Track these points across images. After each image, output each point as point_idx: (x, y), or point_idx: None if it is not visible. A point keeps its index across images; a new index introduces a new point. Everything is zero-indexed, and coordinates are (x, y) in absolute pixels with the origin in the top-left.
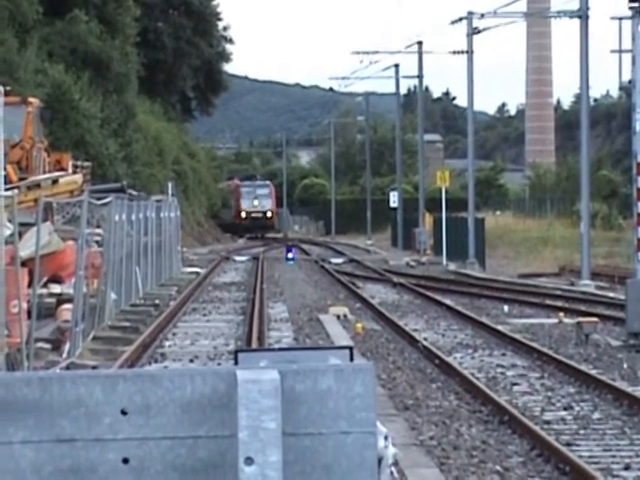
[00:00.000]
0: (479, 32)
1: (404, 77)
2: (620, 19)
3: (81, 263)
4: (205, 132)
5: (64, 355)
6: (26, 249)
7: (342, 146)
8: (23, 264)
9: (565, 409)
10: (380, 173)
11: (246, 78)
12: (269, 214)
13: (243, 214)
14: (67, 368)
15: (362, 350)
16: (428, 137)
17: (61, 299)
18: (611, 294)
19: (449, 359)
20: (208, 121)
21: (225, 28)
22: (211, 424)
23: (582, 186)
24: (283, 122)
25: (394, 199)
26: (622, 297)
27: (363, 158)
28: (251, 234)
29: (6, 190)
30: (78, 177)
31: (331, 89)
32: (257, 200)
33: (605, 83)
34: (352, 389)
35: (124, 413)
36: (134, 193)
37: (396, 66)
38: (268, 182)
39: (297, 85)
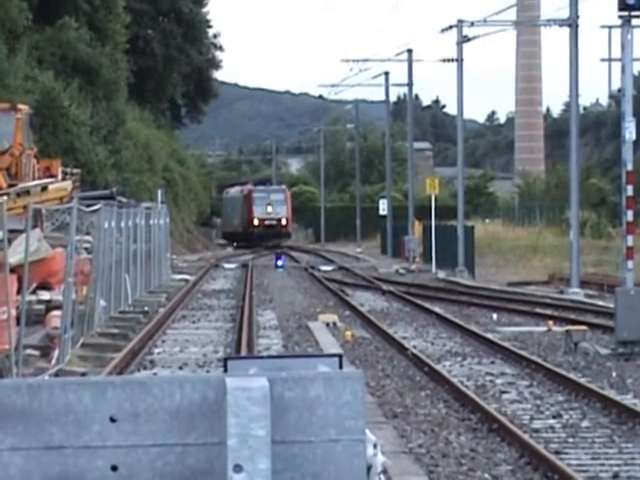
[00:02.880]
0: (469, 40)
1: (394, 85)
2: (610, 28)
3: (70, 270)
4: (195, 139)
5: (53, 362)
6: (15, 256)
7: (332, 154)
8: (12, 271)
9: (554, 417)
10: (370, 181)
11: (236, 85)
12: (284, 221)
13: (256, 221)
14: (56, 375)
15: (351, 358)
16: (418, 145)
17: (50, 306)
18: (600, 302)
19: (438, 367)
20: (198, 128)
21: (215, 35)
22: (200, 431)
23: (571, 194)
24: (273, 129)
25: (384, 207)
26: (611, 305)
27: (353, 166)
28: (265, 243)
29: None
30: (67, 184)
31: (321, 97)
32: (271, 206)
33: (594, 91)
34: (341, 397)
35: (113, 420)
36: (123, 200)
37: (386, 74)
38: (284, 187)
39: (287, 92)
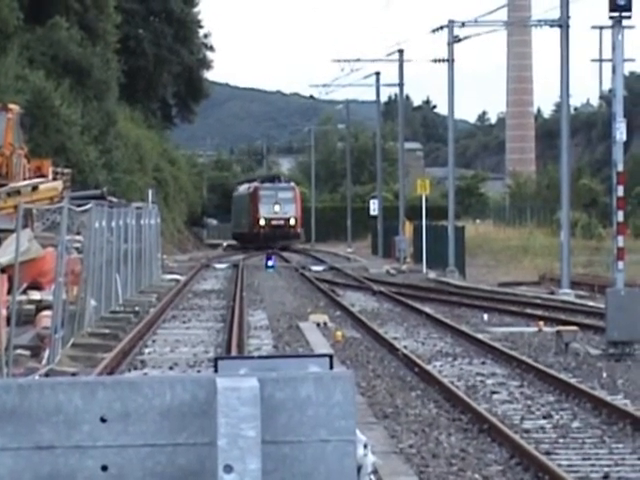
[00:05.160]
0: (460, 41)
1: (385, 85)
2: (601, 28)
3: (61, 270)
4: (186, 139)
5: (43, 362)
6: (6, 256)
7: (323, 154)
8: (2, 271)
9: (544, 418)
10: (360, 181)
11: (227, 85)
12: (292, 221)
13: (262, 221)
14: (46, 375)
15: (342, 358)
16: (408, 145)
17: (40, 306)
18: (591, 303)
19: (429, 367)
20: (189, 128)
21: (206, 35)
22: (190, 431)
23: (562, 195)
24: (264, 129)
25: (374, 207)
26: (602, 306)
27: (343, 166)
28: (272, 245)
29: None
30: (58, 184)
31: (312, 97)
32: (278, 205)
33: (585, 92)
34: (332, 397)
35: (103, 420)
36: (114, 200)
37: (377, 74)
38: (292, 184)
39: (278, 92)
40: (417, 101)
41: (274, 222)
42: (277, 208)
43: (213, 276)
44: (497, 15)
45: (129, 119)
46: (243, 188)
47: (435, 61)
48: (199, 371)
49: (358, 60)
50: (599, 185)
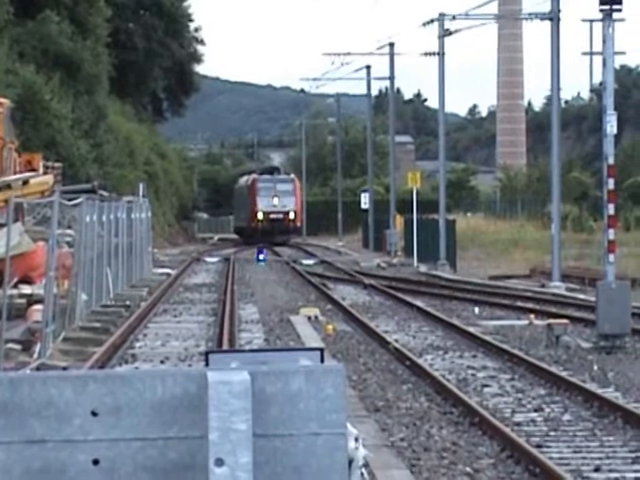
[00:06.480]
0: (450, 34)
1: (375, 79)
2: (591, 21)
3: (52, 264)
4: (177, 133)
5: (34, 356)
6: None
7: (313, 147)
8: None
9: (535, 411)
10: (351, 174)
11: (217, 79)
12: (292, 215)
13: (260, 215)
14: (37, 369)
15: (333, 351)
16: (399, 139)
17: (31, 300)
18: (581, 296)
19: (420, 361)
20: (180, 122)
21: (196, 29)
22: (182, 425)
23: (553, 188)
24: (254, 123)
25: (365, 200)
26: (592, 299)
27: (334, 159)
28: (270, 240)
29: None
30: (49, 178)
31: (302, 90)
32: (277, 198)
33: (576, 85)
34: (323, 390)
35: (94, 414)
36: (105, 194)
37: (367, 67)
38: (292, 176)
39: (268, 86)
40: (408, 94)
41: (273, 216)
42: (276, 201)
43: (204, 270)
44: (488, 8)
45: (120, 113)
46: (243, 180)
47: (426, 54)
48: (190, 365)
49: (349, 54)
50: (590, 178)
